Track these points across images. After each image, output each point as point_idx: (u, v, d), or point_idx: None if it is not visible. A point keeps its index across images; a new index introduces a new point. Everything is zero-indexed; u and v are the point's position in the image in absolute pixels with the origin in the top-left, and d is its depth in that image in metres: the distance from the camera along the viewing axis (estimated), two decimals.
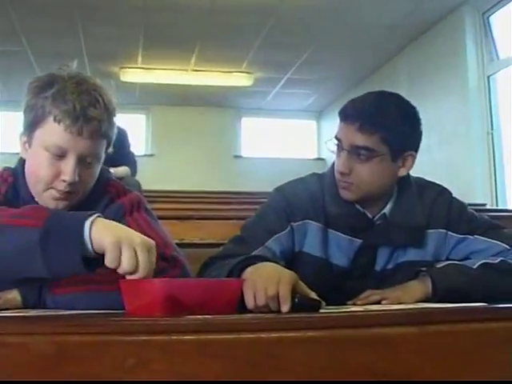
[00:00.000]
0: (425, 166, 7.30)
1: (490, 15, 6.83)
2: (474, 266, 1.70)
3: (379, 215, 1.82)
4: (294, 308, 1.24)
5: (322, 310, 1.22)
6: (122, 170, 5.44)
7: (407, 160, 1.80)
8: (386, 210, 1.82)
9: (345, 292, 1.68)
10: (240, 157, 11.12)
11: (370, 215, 1.82)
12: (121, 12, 7.12)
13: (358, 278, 1.78)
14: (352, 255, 1.80)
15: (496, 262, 1.72)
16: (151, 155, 10.74)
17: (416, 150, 1.81)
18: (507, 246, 1.79)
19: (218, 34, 7.75)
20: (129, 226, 1.61)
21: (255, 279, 1.32)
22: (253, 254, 1.66)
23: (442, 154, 7.25)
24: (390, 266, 1.81)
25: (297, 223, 1.79)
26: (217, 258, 1.69)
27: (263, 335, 1.08)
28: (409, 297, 1.62)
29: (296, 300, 1.25)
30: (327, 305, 1.45)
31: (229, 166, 10.72)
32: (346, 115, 1.73)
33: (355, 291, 1.67)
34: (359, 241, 1.80)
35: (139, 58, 8.67)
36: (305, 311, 1.23)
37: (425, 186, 1.91)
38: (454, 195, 1.93)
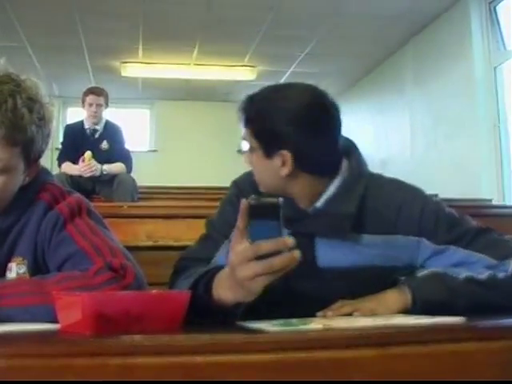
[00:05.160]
0: (431, 159, 7.26)
1: (496, 4, 6.65)
2: (460, 277, 1.52)
3: (311, 208, 1.67)
4: (253, 212, 1.13)
5: (270, 329, 1.08)
6: (116, 167, 5.35)
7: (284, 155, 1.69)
8: (319, 202, 1.66)
9: (293, 294, 1.54)
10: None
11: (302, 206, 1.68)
12: (119, 6, 7.00)
13: (299, 276, 1.48)
14: None
15: (483, 277, 1.53)
16: (154, 151, 10.65)
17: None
18: (494, 261, 1.58)
19: (219, 27, 7.61)
20: (71, 235, 1.49)
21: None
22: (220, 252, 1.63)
23: (447, 148, 7.11)
24: (339, 264, 1.62)
25: None
26: (186, 260, 1.64)
27: (199, 358, 0.95)
28: (384, 308, 1.46)
29: (252, 202, 1.13)
30: (280, 313, 1.32)
31: (233, 161, 10.57)
32: None
33: (302, 292, 1.55)
34: (289, 231, 1.59)
35: (140, 53, 8.55)
36: (265, 211, 1.13)
37: (389, 185, 1.72)
38: (427, 195, 1.73)
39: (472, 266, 1.58)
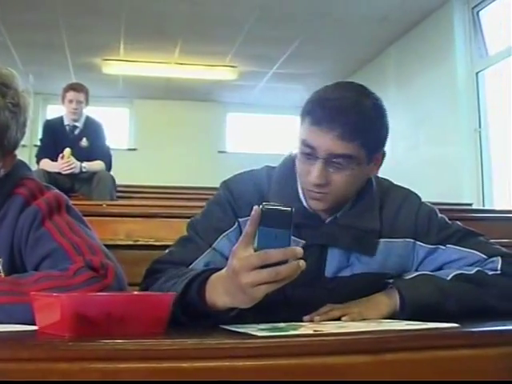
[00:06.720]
0: (412, 163, 7.26)
1: (479, 10, 6.68)
2: (448, 278, 1.53)
3: (330, 219, 1.62)
4: (264, 218, 1.10)
5: (259, 334, 1.03)
6: (96, 164, 5.29)
7: (378, 159, 1.62)
8: (339, 214, 1.62)
9: (293, 301, 1.49)
10: (225, 152, 10.95)
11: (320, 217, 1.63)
12: (101, 2, 6.94)
13: (305, 285, 1.50)
14: None
15: (471, 272, 1.55)
16: (134, 149, 10.55)
17: (384, 147, 1.63)
18: (483, 256, 1.61)
19: (202, 26, 7.57)
20: (49, 232, 1.44)
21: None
22: (199, 259, 1.53)
23: (429, 152, 7.13)
24: (344, 274, 1.61)
25: (243, 218, 1.56)
26: (163, 263, 1.54)
27: (185, 364, 0.91)
28: (373, 312, 1.44)
29: (264, 208, 1.10)
30: (275, 318, 1.28)
31: (213, 161, 10.53)
32: (319, 120, 1.49)
33: (304, 300, 1.48)
34: (303, 241, 1.57)
35: (121, 50, 8.47)
36: (277, 218, 1.09)
37: (389, 190, 1.72)
38: (423, 199, 1.73)
39: (462, 261, 1.61)
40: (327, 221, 1.62)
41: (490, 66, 6.54)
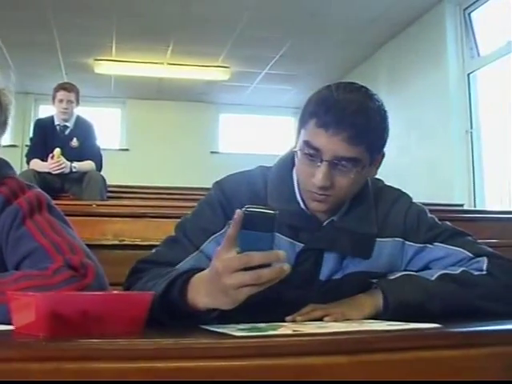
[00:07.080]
0: (403, 164, 7.26)
1: (471, 11, 6.69)
2: (432, 278, 1.52)
3: (327, 221, 1.61)
4: (246, 221, 1.08)
5: (237, 334, 1.02)
6: (86, 164, 5.27)
7: (378, 160, 1.60)
8: (336, 216, 1.61)
9: (285, 303, 1.45)
10: (217, 152, 10.93)
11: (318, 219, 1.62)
12: (93, 2, 6.91)
13: (299, 287, 1.53)
14: (293, 260, 1.55)
15: (456, 272, 1.54)
16: (126, 149, 10.52)
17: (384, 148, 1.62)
18: (470, 254, 1.61)
19: (194, 26, 7.56)
20: (30, 232, 1.42)
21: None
22: (185, 262, 1.50)
23: (420, 153, 7.14)
24: (336, 276, 1.60)
25: None
26: (148, 263, 1.52)
27: (161, 364, 0.89)
28: (356, 312, 1.42)
29: (247, 212, 1.08)
30: (264, 319, 1.27)
31: (205, 161, 10.51)
32: (325, 122, 1.46)
33: (296, 302, 1.46)
34: (301, 245, 1.58)
35: (113, 50, 8.45)
36: (260, 222, 1.07)
37: (381, 190, 1.71)
38: (413, 200, 1.73)
39: (448, 258, 1.61)
40: (325, 223, 1.61)
41: (482, 67, 6.54)
